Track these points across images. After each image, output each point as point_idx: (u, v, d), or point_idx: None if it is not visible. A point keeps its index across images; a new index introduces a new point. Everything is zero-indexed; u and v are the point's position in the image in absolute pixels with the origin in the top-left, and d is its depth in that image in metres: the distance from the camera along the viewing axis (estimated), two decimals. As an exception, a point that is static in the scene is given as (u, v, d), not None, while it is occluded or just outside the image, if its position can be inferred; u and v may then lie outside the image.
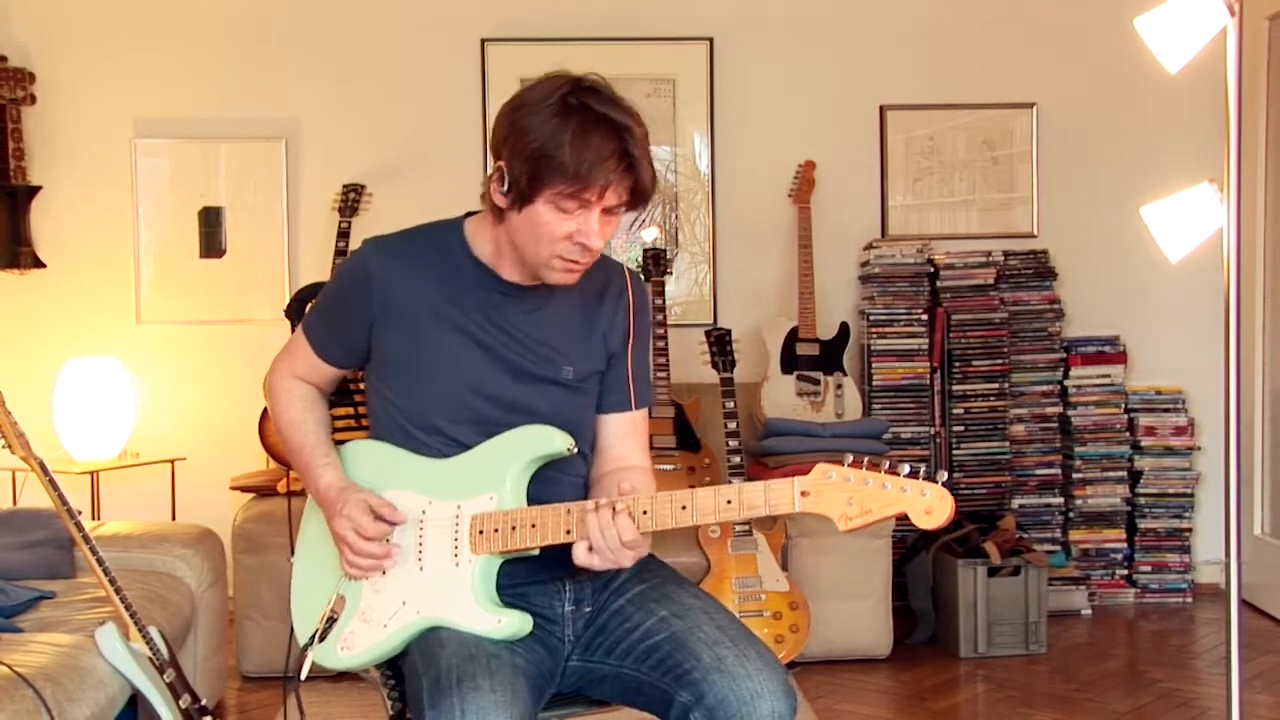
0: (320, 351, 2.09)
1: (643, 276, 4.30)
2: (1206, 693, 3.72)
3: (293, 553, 2.14)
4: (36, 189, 4.61)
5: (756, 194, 4.85)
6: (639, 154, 1.85)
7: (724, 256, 4.88)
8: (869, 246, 4.76)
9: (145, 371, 4.65)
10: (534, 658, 1.89)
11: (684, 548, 3.89)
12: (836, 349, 4.55)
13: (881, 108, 4.90)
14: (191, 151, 4.73)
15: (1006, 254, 4.74)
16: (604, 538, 1.82)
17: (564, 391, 2.03)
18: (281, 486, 4.04)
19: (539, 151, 1.82)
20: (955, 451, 4.65)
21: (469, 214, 2.07)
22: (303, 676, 1.97)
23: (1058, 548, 4.67)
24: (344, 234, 4.52)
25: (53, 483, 2.63)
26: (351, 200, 4.57)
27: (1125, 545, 4.76)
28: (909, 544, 4.41)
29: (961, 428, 4.65)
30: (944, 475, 1.71)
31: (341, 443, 2.12)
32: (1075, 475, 4.71)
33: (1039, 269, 4.75)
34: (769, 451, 4.20)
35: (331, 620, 1.98)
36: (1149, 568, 4.77)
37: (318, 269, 4.68)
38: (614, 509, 1.83)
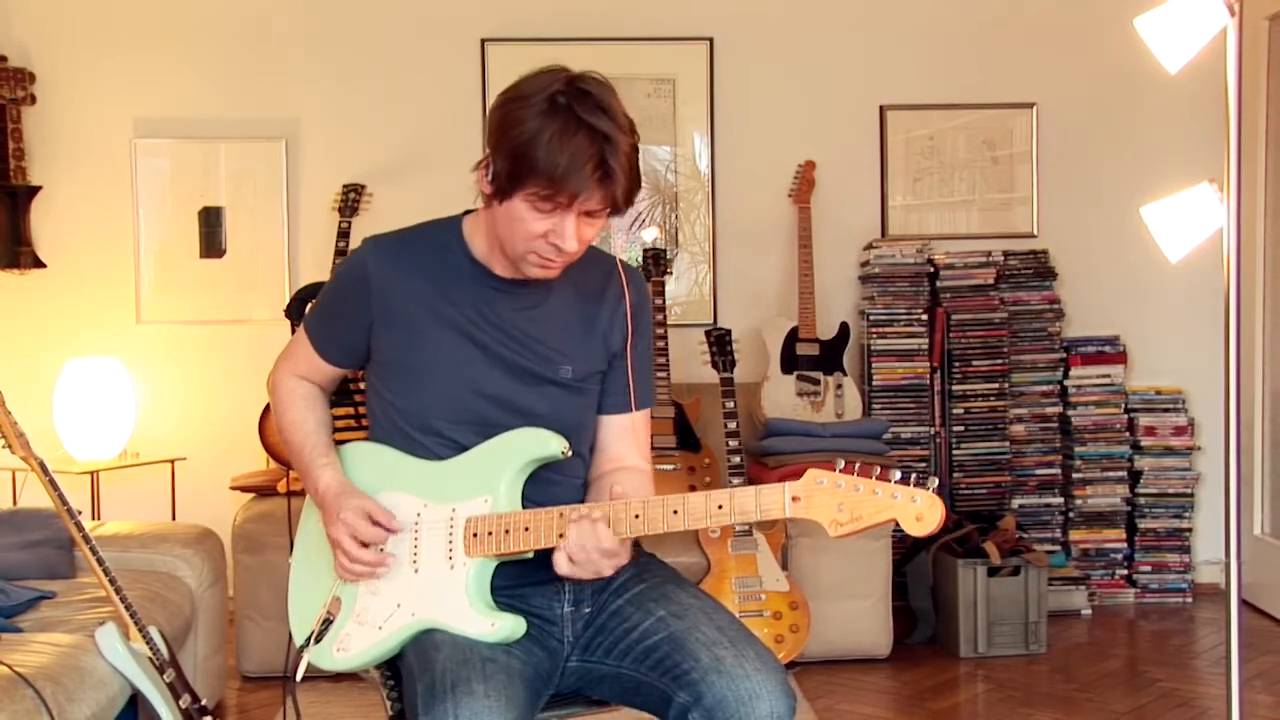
0: (321, 351, 2.09)
1: (642, 273, 4.29)
2: (1206, 693, 3.72)
3: (291, 553, 2.14)
4: (36, 189, 4.62)
5: (756, 194, 4.85)
6: (616, 165, 1.81)
7: (724, 256, 4.88)
8: (869, 246, 4.76)
9: (145, 371, 4.66)
10: (532, 659, 1.89)
11: (684, 548, 3.89)
12: (836, 349, 4.55)
13: (881, 108, 4.90)
14: (191, 151, 4.73)
15: (1006, 254, 4.74)
16: (582, 548, 1.83)
17: (563, 392, 2.02)
18: (281, 486, 4.04)
19: (519, 150, 1.81)
20: (955, 451, 4.65)
21: (467, 212, 2.07)
22: (298, 678, 1.97)
23: (1058, 548, 4.67)
24: (344, 234, 4.52)
25: (53, 483, 2.63)
26: (351, 200, 4.57)
27: (1125, 545, 4.76)
28: (909, 544, 4.41)
29: (961, 428, 4.65)
30: (934, 482, 1.70)
31: (341, 443, 2.12)
32: (1075, 475, 4.71)
33: (1039, 269, 4.75)
34: (769, 451, 4.20)
35: (327, 622, 1.98)
36: (1149, 568, 4.78)
37: (318, 269, 4.68)
38: (592, 519, 1.83)
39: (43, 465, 2.63)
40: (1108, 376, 4.76)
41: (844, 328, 4.58)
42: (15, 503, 4.15)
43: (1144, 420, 4.75)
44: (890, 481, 1.71)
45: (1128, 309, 4.90)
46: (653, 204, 4.86)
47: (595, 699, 2.04)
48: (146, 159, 4.72)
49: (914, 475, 1.71)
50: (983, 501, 4.63)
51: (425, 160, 4.78)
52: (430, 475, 1.97)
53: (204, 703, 2.79)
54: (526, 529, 1.87)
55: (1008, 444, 4.67)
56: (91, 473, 4.29)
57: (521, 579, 1.96)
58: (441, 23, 4.79)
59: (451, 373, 1.97)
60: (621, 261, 2.13)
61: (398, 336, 1.98)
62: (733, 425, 4.04)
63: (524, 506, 1.93)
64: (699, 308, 4.87)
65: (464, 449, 1.97)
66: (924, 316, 4.65)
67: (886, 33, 4.90)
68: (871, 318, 4.66)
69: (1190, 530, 4.77)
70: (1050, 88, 4.93)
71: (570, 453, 1.94)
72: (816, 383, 4.49)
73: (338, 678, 3.52)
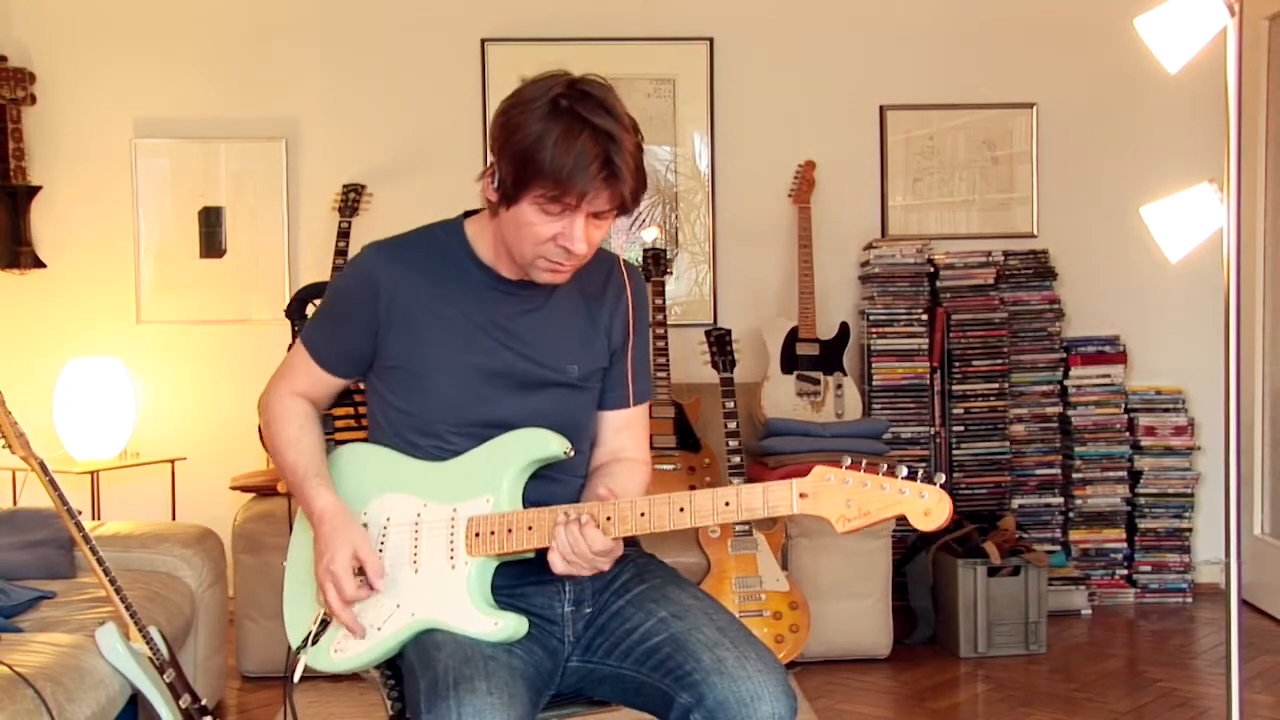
0: (323, 363, 2.06)
1: (641, 272, 4.29)
2: (1206, 693, 3.72)
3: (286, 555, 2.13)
4: (36, 189, 4.62)
5: (756, 194, 4.85)
6: (622, 164, 1.82)
7: (724, 256, 4.88)
8: (869, 246, 4.76)
9: (145, 371, 4.66)
10: (533, 659, 1.89)
11: (684, 548, 3.89)
12: (836, 349, 4.55)
13: (881, 108, 4.90)
14: (191, 151, 4.73)
15: (1006, 254, 4.74)
16: (574, 550, 1.83)
17: (568, 391, 2.03)
18: (282, 486, 4.04)
19: (523, 153, 1.81)
20: (955, 451, 4.65)
21: (468, 213, 2.07)
22: (295, 679, 1.97)
23: (1058, 548, 4.67)
24: (344, 234, 4.52)
25: (53, 483, 2.63)
26: (351, 200, 4.57)
27: (1125, 545, 4.76)
28: (909, 544, 4.41)
29: (961, 428, 4.65)
30: (941, 477, 1.71)
31: (341, 443, 2.12)
32: (1075, 475, 4.71)
33: (1039, 269, 4.75)
34: (769, 451, 4.20)
35: (325, 623, 1.97)
36: (1149, 568, 4.78)
37: (318, 269, 4.68)
38: (579, 523, 1.83)
39: (43, 465, 2.62)
40: (1108, 376, 4.76)
41: (844, 328, 4.58)
42: (15, 503, 4.15)
43: (1144, 420, 4.75)
44: (898, 478, 1.71)
45: (1128, 309, 4.90)
46: (653, 204, 4.86)
47: (596, 699, 2.04)
48: (146, 159, 4.72)
49: (921, 470, 1.71)
50: (983, 501, 4.63)
51: (425, 160, 4.78)
52: (430, 475, 1.97)
53: (204, 703, 2.79)
54: (530, 528, 1.87)
55: (1008, 444, 4.67)
56: (91, 473, 4.29)
57: (522, 578, 1.96)
58: (441, 23, 4.79)
59: (457, 376, 1.97)
60: (622, 259, 2.14)
61: (405, 341, 1.97)
62: (733, 425, 4.04)
63: (524, 506, 1.93)
64: (699, 308, 4.87)
65: (462, 453, 1.96)
66: (924, 316, 4.65)
67: (886, 33, 4.90)
68: (871, 318, 4.66)
69: (1190, 530, 4.78)
70: (1050, 88, 4.93)
71: (573, 453, 1.94)
72: (816, 383, 4.49)
73: (338, 678, 3.52)
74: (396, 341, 1.98)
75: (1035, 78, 4.92)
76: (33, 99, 4.61)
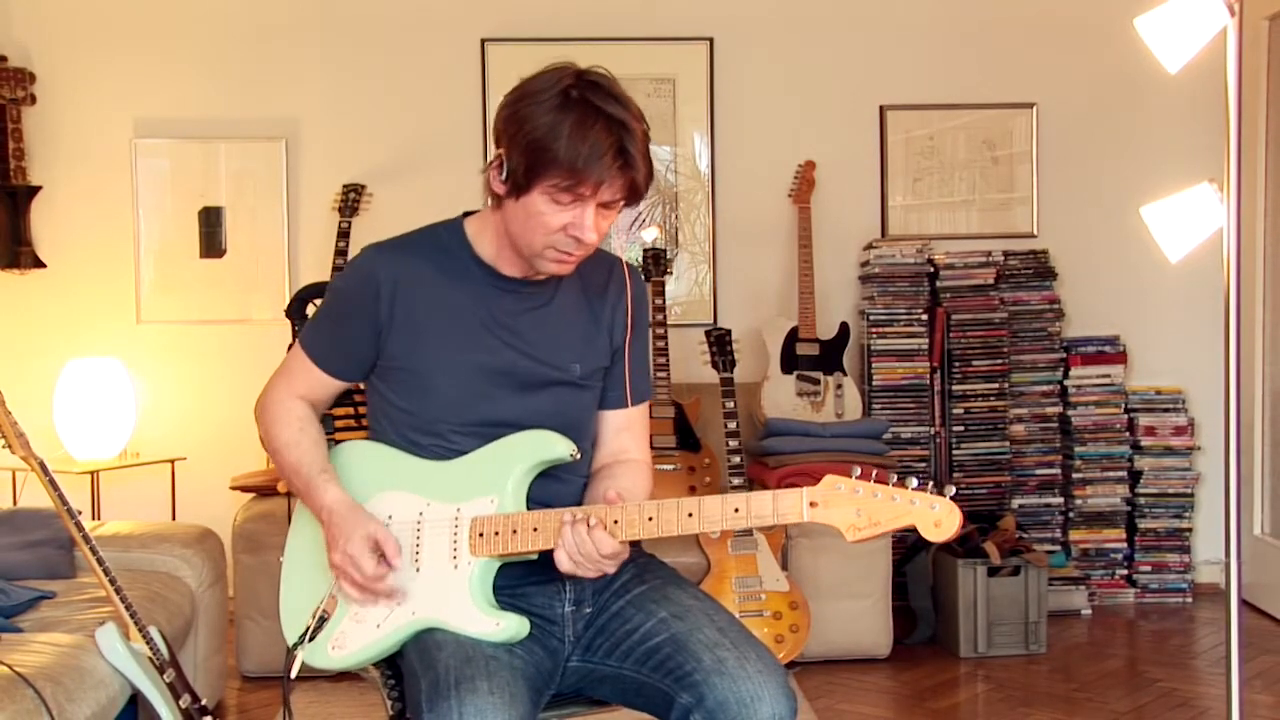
0: (324, 365, 2.05)
1: (641, 273, 4.29)
2: (1206, 693, 3.72)
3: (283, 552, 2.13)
4: (36, 189, 4.62)
5: (756, 194, 4.85)
6: (636, 151, 1.84)
7: (724, 256, 4.88)
8: (869, 246, 4.76)
9: (145, 371, 4.66)
10: (533, 659, 1.89)
11: (684, 548, 3.88)
12: (836, 349, 4.55)
13: (881, 108, 4.90)
14: (191, 151, 4.73)
15: (1006, 254, 4.74)
16: (581, 552, 1.83)
17: (570, 390, 2.03)
18: (282, 486, 4.03)
19: (536, 143, 1.82)
20: (955, 451, 4.65)
21: (467, 214, 2.07)
22: (292, 675, 1.96)
23: (1058, 548, 4.67)
24: (344, 234, 4.52)
25: (53, 483, 2.63)
26: (351, 200, 4.57)
27: (1125, 545, 4.76)
28: (909, 544, 4.41)
29: (961, 428, 4.65)
30: (952, 489, 1.71)
31: (341, 443, 2.12)
32: (1075, 475, 4.71)
33: (1039, 269, 4.75)
34: (769, 451, 4.20)
35: (323, 620, 1.97)
36: (1149, 568, 4.78)
37: (318, 269, 4.68)
38: (589, 524, 1.83)
39: (43, 465, 2.62)
40: (1108, 376, 4.76)
41: (844, 328, 4.58)
42: (15, 503, 4.15)
43: (1144, 420, 4.75)
44: (909, 488, 1.72)
45: (1128, 309, 4.90)
46: (653, 204, 4.86)
47: (596, 699, 2.04)
48: (146, 159, 4.72)
49: (931, 483, 1.72)
50: (983, 501, 4.63)
51: (425, 160, 4.78)
52: (433, 474, 1.97)
53: (204, 703, 2.79)
54: (535, 529, 1.87)
55: (1008, 444, 4.67)
56: (91, 473, 4.29)
57: (523, 579, 1.96)
58: (441, 23, 4.79)
59: (460, 375, 1.96)
60: (623, 260, 2.15)
61: (406, 341, 1.97)
62: (733, 425, 4.04)
63: (528, 504, 1.93)
64: (699, 308, 4.87)
65: (464, 453, 1.96)
66: (924, 316, 4.65)
67: (886, 33, 4.90)
68: (871, 318, 4.66)
69: (1190, 530, 4.78)
70: (1050, 88, 4.93)
71: (579, 456, 1.95)
72: (816, 383, 4.49)
73: (338, 677, 3.52)
74: (398, 341, 1.98)
75: (1035, 78, 4.92)
76: (33, 99, 4.61)
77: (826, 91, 4.90)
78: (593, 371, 2.06)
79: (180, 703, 2.71)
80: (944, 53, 4.91)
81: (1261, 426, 4.66)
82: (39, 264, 4.64)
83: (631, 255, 4.75)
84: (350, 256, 4.01)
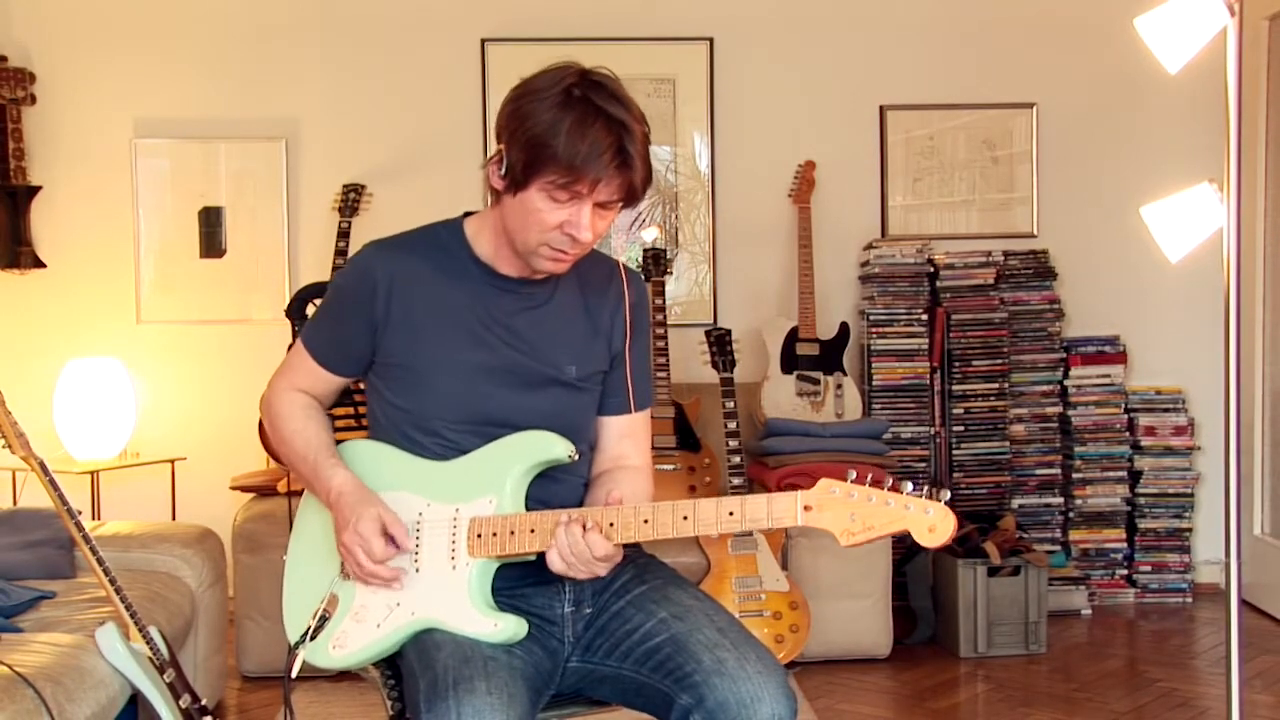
0: (323, 361, 2.06)
1: (642, 276, 4.29)
2: (1206, 693, 3.72)
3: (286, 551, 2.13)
4: (36, 189, 4.62)
5: (756, 194, 4.85)
6: (635, 151, 1.84)
7: (724, 256, 4.88)
8: (869, 246, 4.76)
9: (145, 371, 4.66)
10: (532, 659, 1.89)
11: (684, 548, 3.89)
12: (836, 349, 4.55)
13: (881, 108, 4.90)
14: (191, 151, 4.73)
15: (1006, 254, 4.74)
16: (574, 554, 1.83)
17: (567, 391, 2.03)
18: (281, 486, 4.04)
19: (536, 139, 1.82)
20: (955, 451, 4.65)
21: (467, 214, 2.07)
22: (293, 675, 1.97)
23: (1058, 548, 4.67)
24: (344, 234, 4.52)
25: (53, 483, 2.63)
26: (351, 200, 4.57)
27: (1125, 545, 4.76)
28: (909, 544, 4.41)
29: (961, 428, 4.65)
30: (946, 494, 1.71)
31: (340, 442, 2.12)
32: (1075, 475, 4.71)
33: (1039, 269, 4.75)
34: (769, 451, 4.20)
35: (324, 619, 1.97)
36: (1149, 568, 4.78)
37: (318, 269, 4.68)
38: (583, 526, 1.83)
39: (43, 465, 2.62)
40: (1108, 376, 4.76)
41: (844, 328, 4.58)
42: (15, 503, 4.15)
43: (1144, 420, 4.75)
44: (903, 493, 1.72)
45: (1128, 309, 4.90)
46: (653, 204, 4.86)
47: (595, 700, 2.04)
48: (146, 159, 4.72)
49: (926, 488, 1.71)
50: (983, 501, 4.63)
51: (425, 160, 4.78)
52: (433, 475, 1.97)
53: (204, 703, 2.79)
54: (532, 530, 1.87)
55: (1008, 444, 4.67)
56: (91, 473, 4.29)
57: (522, 579, 1.96)
58: (441, 23, 4.79)
59: (457, 373, 1.97)
60: (623, 264, 2.15)
61: (404, 338, 1.98)
62: (733, 425, 4.04)
63: (526, 504, 1.93)
64: (699, 308, 4.87)
65: (464, 451, 1.96)
66: (924, 316, 4.65)
67: (886, 33, 4.90)
68: (871, 318, 4.66)
69: (1190, 530, 4.78)
70: (1050, 88, 4.93)
71: (577, 457, 1.94)
72: (816, 383, 4.49)
73: (338, 677, 3.52)
74: (395, 339, 1.98)
75: (1035, 78, 4.92)
76: (33, 99, 4.61)
77: (826, 91, 4.90)
78: (589, 375, 2.06)
79: (180, 703, 2.71)
80: (944, 53, 4.91)
81: (1261, 426, 4.66)
82: (39, 264, 4.64)
83: (631, 255, 4.75)
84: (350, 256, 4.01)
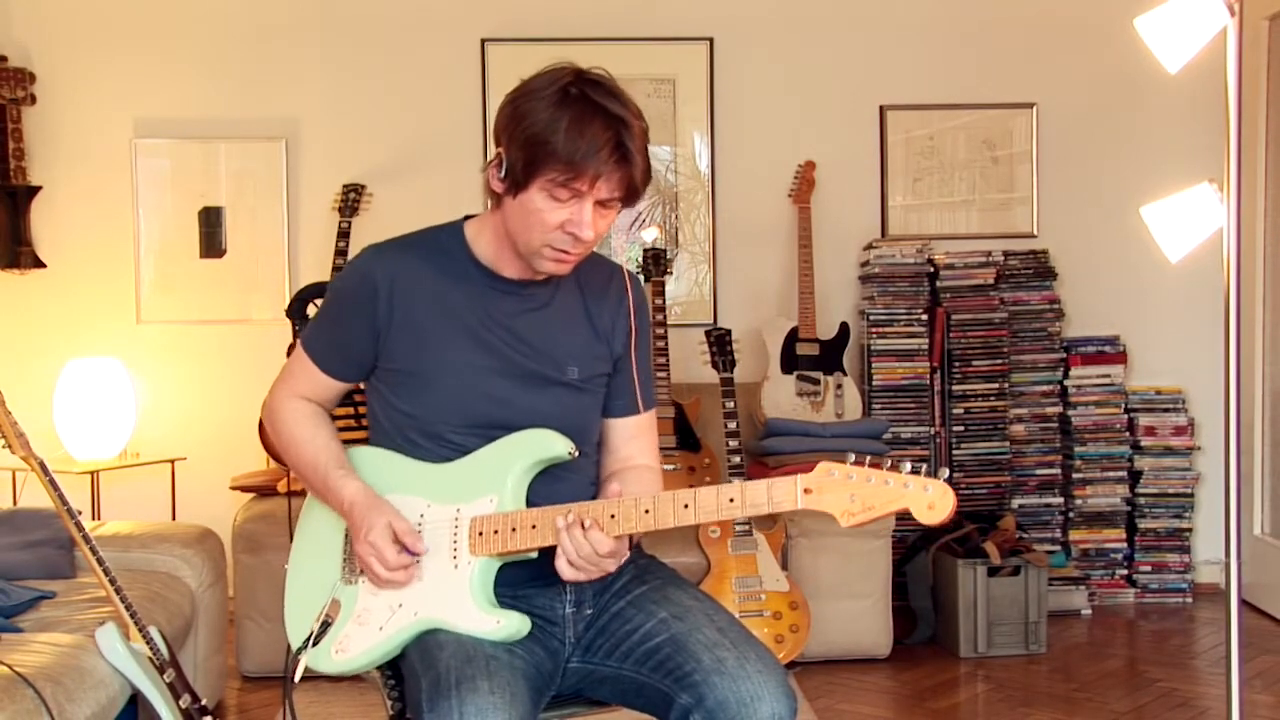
0: (324, 366, 2.05)
1: (642, 277, 4.30)
2: (1206, 693, 3.72)
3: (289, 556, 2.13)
4: (36, 189, 4.62)
5: (756, 194, 4.85)
6: (634, 147, 1.85)
7: (724, 256, 4.88)
8: (869, 246, 4.76)
9: (145, 371, 4.66)
10: (534, 659, 1.89)
11: (684, 548, 3.89)
12: (836, 349, 4.55)
13: (881, 108, 4.90)
14: (191, 151, 4.73)
15: (1006, 254, 4.74)
16: (579, 554, 1.83)
17: (569, 392, 2.03)
18: (281, 486, 4.04)
19: (535, 138, 1.82)
20: (955, 451, 4.65)
21: (468, 217, 2.07)
22: (296, 679, 1.96)
23: (1058, 548, 4.67)
24: (344, 234, 4.52)
25: (53, 483, 2.63)
26: (351, 200, 4.57)
27: (1125, 545, 4.76)
28: (909, 544, 4.41)
29: (961, 428, 4.65)
30: (945, 472, 1.71)
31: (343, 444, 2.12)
32: (1075, 475, 4.71)
33: (1039, 269, 4.75)
34: (769, 451, 4.20)
35: (326, 624, 1.97)
36: (1149, 568, 4.78)
37: (318, 269, 4.68)
38: (583, 525, 1.83)
39: (43, 465, 2.62)
40: (1108, 376, 4.76)
41: (844, 328, 4.58)
42: (15, 503, 4.15)
43: (1144, 420, 4.75)
44: (902, 473, 1.72)
45: (1128, 309, 4.90)
46: (653, 204, 4.86)
47: (596, 700, 2.04)
48: (146, 159, 4.72)
49: (925, 466, 1.72)
50: (983, 501, 4.63)
51: (425, 160, 4.78)
52: (434, 477, 1.97)
53: (204, 703, 2.79)
54: (534, 527, 1.87)
55: (1008, 444, 4.67)
56: (91, 473, 4.29)
57: (523, 580, 1.96)
58: (441, 23, 4.79)
59: (460, 376, 1.96)
60: (624, 269, 2.16)
61: (406, 342, 1.97)
62: (733, 425, 4.04)
63: (530, 505, 1.93)
64: (699, 308, 4.87)
65: (466, 453, 1.96)
66: (924, 316, 4.65)
67: (886, 33, 4.90)
68: (871, 318, 4.66)
69: (1190, 530, 4.78)
70: (1050, 88, 4.93)
71: (577, 454, 1.94)
72: (816, 383, 4.49)
73: (338, 678, 3.52)
74: (397, 342, 1.98)
75: (1035, 78, 4.92)
76: (33, 99, 4.61)
77: (826, 91, 4.90)
78: (590, 377, 2.06)
79: (180, 703, 2.71)
80: (944, 53, 4.91)
81: (1261, 426, 4.66)
82: (39, 264, 4.64)
83: (631, 255, 4.75)
84: (350, 257, 4.01)
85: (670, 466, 4.16)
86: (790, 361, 4.51)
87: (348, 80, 4.78)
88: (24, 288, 4.66)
